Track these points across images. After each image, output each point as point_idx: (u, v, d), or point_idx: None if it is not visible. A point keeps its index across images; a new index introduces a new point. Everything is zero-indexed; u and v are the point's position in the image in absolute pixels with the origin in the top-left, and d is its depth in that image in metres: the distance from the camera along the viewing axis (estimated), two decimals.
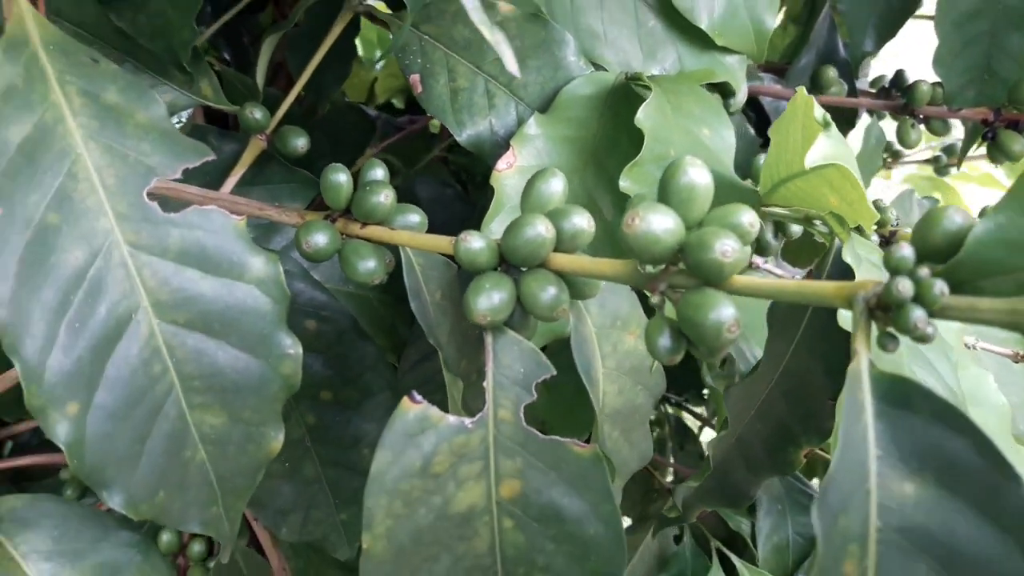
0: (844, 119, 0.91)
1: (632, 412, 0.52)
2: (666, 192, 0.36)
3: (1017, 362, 0.61)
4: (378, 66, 1.33)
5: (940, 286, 0.28)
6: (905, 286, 0.28)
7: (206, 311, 0.41)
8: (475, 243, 0.40)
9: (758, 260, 0.71)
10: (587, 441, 0.40)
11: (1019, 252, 0.26)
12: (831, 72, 0.82)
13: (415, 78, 0.58)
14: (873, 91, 0.91)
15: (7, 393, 0.47)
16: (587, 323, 0.48)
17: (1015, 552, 0.25)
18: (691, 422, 1.30)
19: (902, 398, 0.29)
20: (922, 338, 0.29)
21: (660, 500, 1.05)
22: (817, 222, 0.58)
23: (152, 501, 0.41)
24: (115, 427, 0.39)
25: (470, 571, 0.40)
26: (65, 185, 0.38)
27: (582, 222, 0.40)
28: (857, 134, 1.01)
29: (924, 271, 0.28)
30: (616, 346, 0.52)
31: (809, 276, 0.51)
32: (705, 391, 1.20)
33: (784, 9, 1.10)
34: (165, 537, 0.64)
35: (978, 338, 0.65)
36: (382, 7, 0.89)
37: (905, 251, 0.29)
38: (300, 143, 0.63)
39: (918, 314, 0.28)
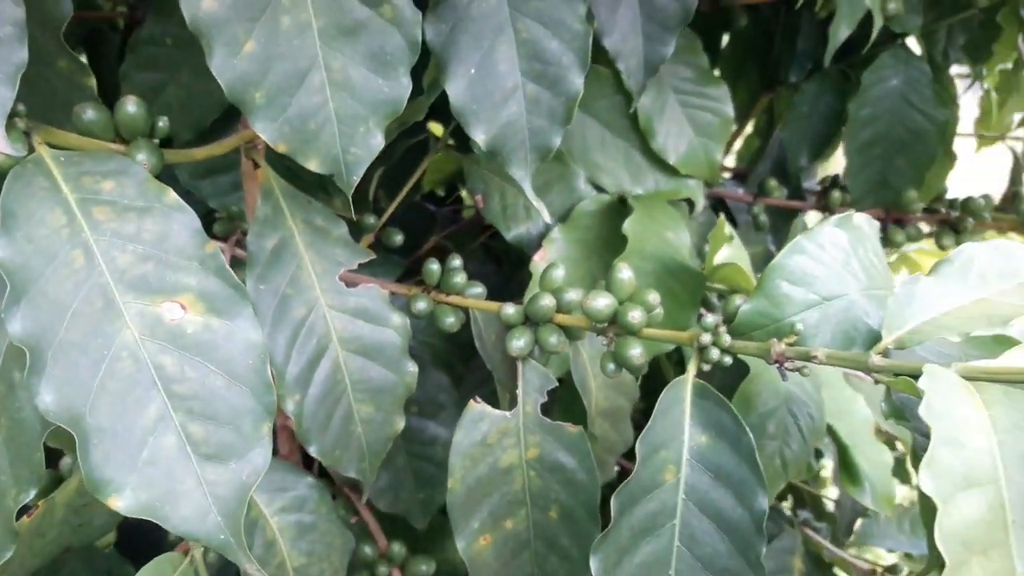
0: (790, 212, 1.20)
1: (617, 411, 0.81)
2: (609, 281, 0.63)
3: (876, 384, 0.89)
4: None
5: (726, 337, 0.56)
6: (706, 338, 0.56)
7: (366, 344, 0.70)
8: (510, 310, 0.67)
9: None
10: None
11: (764, 318, 0.55)
12: (773, 182, 1.12)
13: (479, 198, 0.89)
14: (818, 189, 1.18)
15: None
16: (582, 354, 0.77)
17: (744, 466, 0.54)
18: None
19: (705, 393, 0.56)
20: (718, 365, 0.57)
21: None
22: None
23: (333, 454, 0.70)
24: (317, 409, 0.68)
25: (510, 503, 0.67)
26: (295, 273, 0.68)
27: (574, 296, 0.67)
28: None
29: (722, 328, 0.57)
30: None
31: None
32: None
33: (753, 122, 1.40)
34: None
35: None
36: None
37: (710, 319, 0.57)
38: (398, 239, 0.93)
39: (714, 351, 0.56)
